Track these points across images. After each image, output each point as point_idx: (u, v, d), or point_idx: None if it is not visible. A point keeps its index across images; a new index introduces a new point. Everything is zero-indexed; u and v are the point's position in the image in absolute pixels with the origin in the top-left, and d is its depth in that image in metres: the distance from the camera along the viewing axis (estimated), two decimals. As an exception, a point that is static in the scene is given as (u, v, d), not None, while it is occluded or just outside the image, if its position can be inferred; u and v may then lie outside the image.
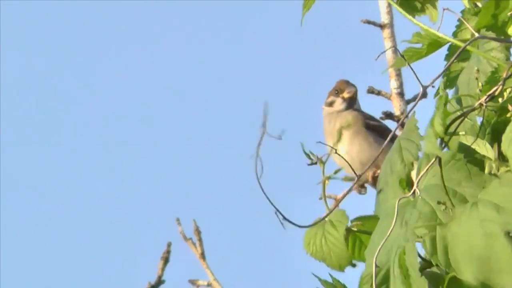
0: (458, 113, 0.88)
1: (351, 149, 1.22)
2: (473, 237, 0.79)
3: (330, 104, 1.45)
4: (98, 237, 3.27)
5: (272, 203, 0.90)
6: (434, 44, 0.98)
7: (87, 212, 3.39)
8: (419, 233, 0.82)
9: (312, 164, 1.11)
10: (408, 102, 1.34)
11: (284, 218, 0.92)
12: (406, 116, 1.31)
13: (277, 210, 0.90)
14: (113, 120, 3.65)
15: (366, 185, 1.35)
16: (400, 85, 1.33)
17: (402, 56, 0.94)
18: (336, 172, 1.11)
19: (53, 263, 3.28)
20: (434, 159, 0.84)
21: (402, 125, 1.27)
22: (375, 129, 1.41)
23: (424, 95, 1.33)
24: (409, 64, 0.92)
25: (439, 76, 0.93)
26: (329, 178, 1.11)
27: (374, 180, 1.32)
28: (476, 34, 0.89)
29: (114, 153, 3.54)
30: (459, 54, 0.88)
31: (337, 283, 0.97)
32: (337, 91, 1.49)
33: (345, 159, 1.19)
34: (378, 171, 1.28)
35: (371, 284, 0.84)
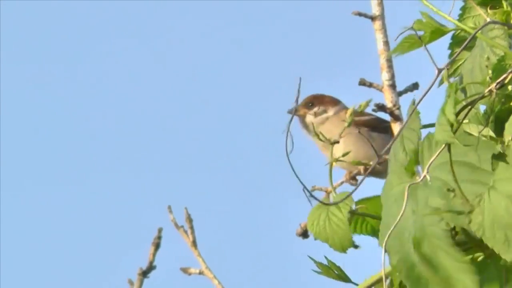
0: (464, 103, 0.87)
1: (346, 149, 1.22)
2: (505, 218, 0.79)
3: (316, 114, 1.46)
4: (90, 224, 3.26)
5: (299, 179, 0.90)
6: (437, 31, 0.98)
7: (78, 200, 3.37)
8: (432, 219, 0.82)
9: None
10: (399, 94, 1.34)
11: (311, 195, 0.91)
12: (398, 108, 1.32)
13: (305, 187, 0.90)
14: (105, 107, 3.64)
15: (357, 177, 1.35)
16: (392, 77, 1.33)
17: (420, 37, 0.93)
18: (344, 155, 1.10)
19: (42, 250, 3.27)
20: (443, 146, 0.84)
21: (394, 117, 1.27)
22: (365, 125, 1.41)
23: (416, 86, 1.33)
24: (425, 46, 0.91)
25: (451, 61, 0.93)
26: (336, 160, 1.10)
27: (366, 171, 1.32)
28: (488, 19, 0.88)
29: (107, 140, 3.53)
30: (470, 40, 0.88)
31: (332, 265, 0.97)
32: (311, 103, 1.49)
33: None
34: (370, 163, 1.28)
35: (401, 271, 0.83)
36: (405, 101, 1.31)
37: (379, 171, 1.19)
